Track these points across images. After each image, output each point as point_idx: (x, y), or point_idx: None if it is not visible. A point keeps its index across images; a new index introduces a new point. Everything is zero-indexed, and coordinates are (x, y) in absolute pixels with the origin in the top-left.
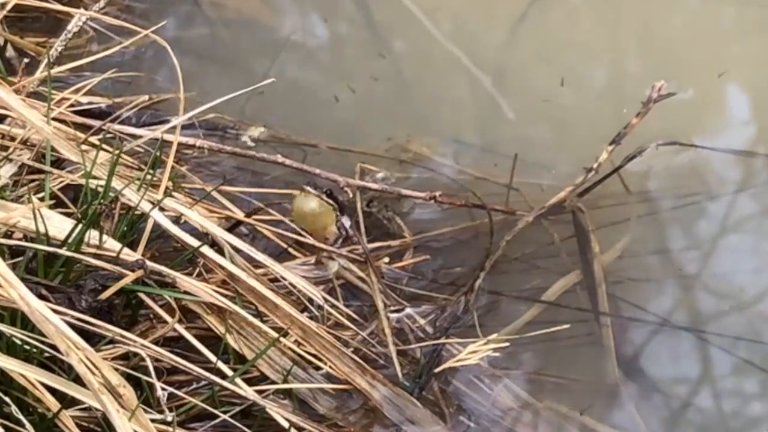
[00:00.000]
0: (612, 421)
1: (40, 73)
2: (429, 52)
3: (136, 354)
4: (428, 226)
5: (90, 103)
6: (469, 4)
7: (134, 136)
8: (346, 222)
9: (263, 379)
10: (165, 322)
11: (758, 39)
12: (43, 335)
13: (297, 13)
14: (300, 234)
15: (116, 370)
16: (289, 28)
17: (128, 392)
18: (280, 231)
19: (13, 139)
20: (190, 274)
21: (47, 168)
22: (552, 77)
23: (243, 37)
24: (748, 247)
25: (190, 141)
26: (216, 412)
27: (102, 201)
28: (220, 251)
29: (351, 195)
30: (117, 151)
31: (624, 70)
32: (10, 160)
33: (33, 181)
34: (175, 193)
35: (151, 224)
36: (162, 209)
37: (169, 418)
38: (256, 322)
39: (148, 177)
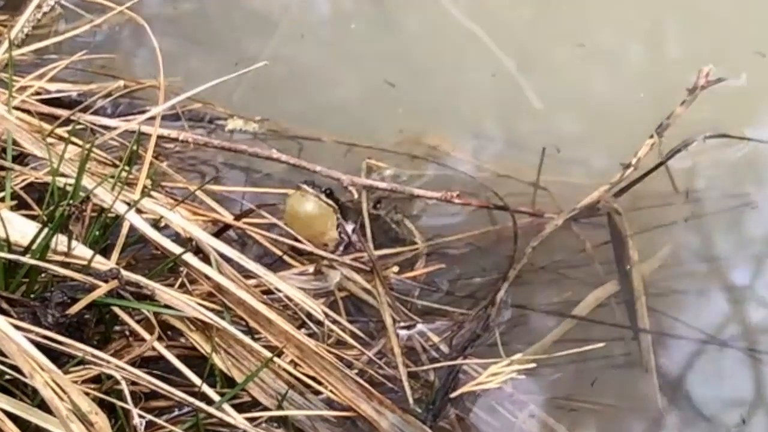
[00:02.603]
0: None
1: (0, 55)
2: (445, 31)
3: (109, 376)
4: (443, 231)
5: (57, 90)
6: None
7: (108, 128)
8: (350, 226)
9: (255, 404)
10: (143, 339)
11: None
12: (4, 355)
13: None
14: (297, 240)
15: (87, 394)
16: (286, 4)
17: (101, 420)
18: (275, 236)
19: None
20: (171, 286)
21: (8, 164)
22: (585, 61)
23: (233, 14)
24: None
25: (172, 133)
26: None
27: (71, 202)
28: (206, 259)
29: (355, 195)
30: (88, 145)
31: (667, 53)
32: None
33: None
34: (154, 193)
35: (126, 228)
36: (139, 211)
37: None
38: (247, 340)
39: (124, 174)
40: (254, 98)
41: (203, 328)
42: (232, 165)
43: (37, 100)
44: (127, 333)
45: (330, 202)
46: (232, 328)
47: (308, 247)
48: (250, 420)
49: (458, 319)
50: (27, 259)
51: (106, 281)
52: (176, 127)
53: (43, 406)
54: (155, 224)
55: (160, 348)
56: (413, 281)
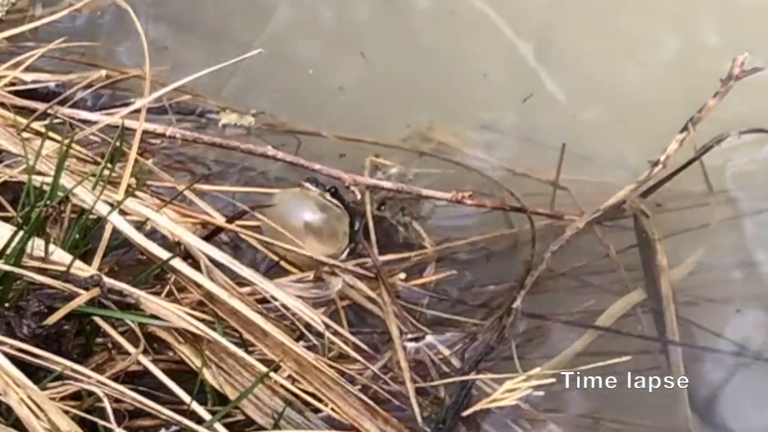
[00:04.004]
0: None
1: None
2: (456, 14)
3: (90, 393)
4: (454, 234)
5: (34, 80)
6: None
7: (88, 122)
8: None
9: (249, 423)
10: (127, 353)
11: None
12: None
13: None
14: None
15: (66, 412)
16: None
17: None
18: (271, 240)
19: None
20: (157, 294)
21: None
22: (609, 48)
23: None
24: None
25: (159, 128)
26: None
27: (48, 202)
28: (196, 265)
29: (358, 195)
30: (67, 141)
31: (699, 40)
32: None
33: None
34: (139, 193)
35: (109, 231)
36: (123, 212)
37: None
38: (240, 353)
39: (106, 173)
40: (248, 90)
41: (193, 340)
42: (225, 162)
43: (11, 92)
44: (110, 345)
45: (335, 201)
46: (224, 341)
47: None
48: None
49: (471, 331)
50: (0, 265)
51: (86, 289)
52: (163, 121)
53: (19, 425)
54: (140, 227)
55: (146, 362)
56: (422, 289)
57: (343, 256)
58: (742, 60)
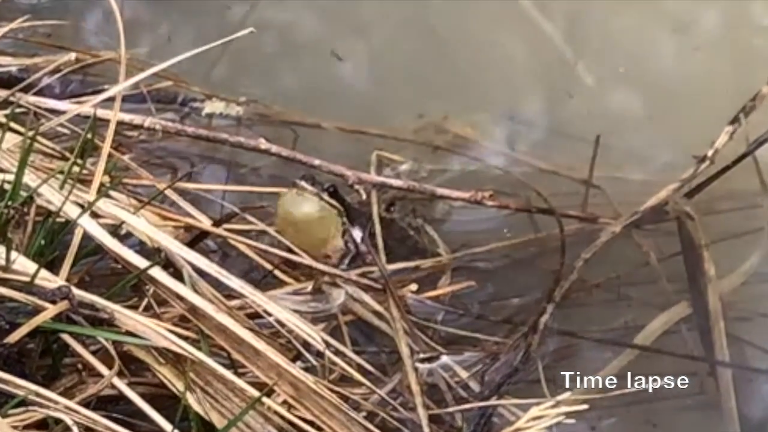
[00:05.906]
0: None
1: None
2: None
3: (58, 420)
4: (473, 240)
5: None
6: None
7: (56, 112)
8: (357, 233)
9: None
10: (99, 375)
11: None
12: None
13: None
14: (292, 251)
15: None
16: None
17: None
18: (264, 246)
19: None
20: (134, 308)
21: None
22: (646, 27)
23: None
24: None
25: (136, 119)
26: None
27: (10, 203)
28: (178, 275)
29: (364, 195)
30: (31, 133)
31: (748, 18)
32: None
33: None
34: (113, 193)
35: (79, 237)
36: (95, 215)
37: None
38: (229, 375)
39: (76, 169)
40: (238, 75)
41: (175, 360)
42: (211, 158)
43: None
44: (80, 367)
45: (333, 202)
46: (210, 361)
47: (305, 260)
48: None
49: (492, 350)
50: None
51: (53, 302)
52: (141, 110)
53: None
54: (115, 231)
55: (121, 385)
56: (436, 302)
57: (345, 262)
58: None
